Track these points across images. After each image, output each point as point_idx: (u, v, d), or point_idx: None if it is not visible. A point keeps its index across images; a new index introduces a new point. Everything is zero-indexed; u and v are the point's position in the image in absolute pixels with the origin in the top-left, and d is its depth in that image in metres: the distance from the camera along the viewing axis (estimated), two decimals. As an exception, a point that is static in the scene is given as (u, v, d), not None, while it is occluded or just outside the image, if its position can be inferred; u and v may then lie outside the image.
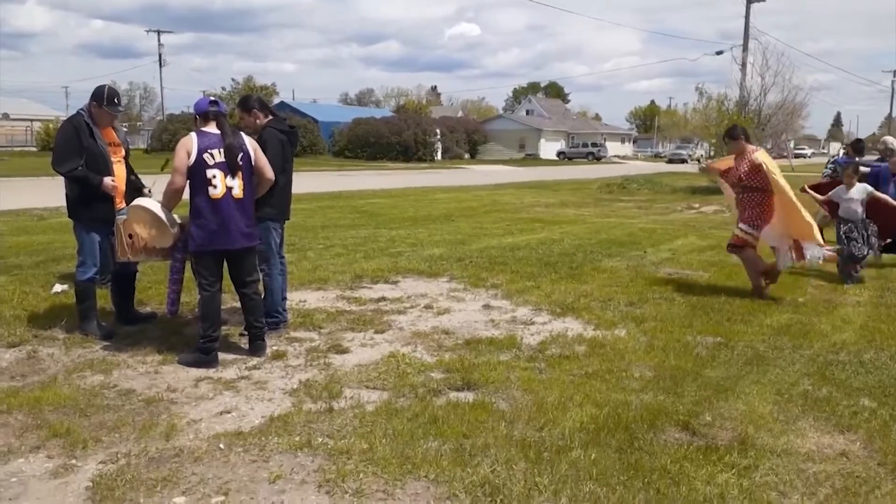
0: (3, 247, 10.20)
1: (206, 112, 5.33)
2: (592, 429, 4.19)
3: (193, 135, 5.25)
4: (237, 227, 5.29)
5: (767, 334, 6.33)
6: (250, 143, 5.46)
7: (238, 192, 5.28)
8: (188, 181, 5.21)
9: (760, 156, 7.73)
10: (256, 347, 5.57)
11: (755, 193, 7.74)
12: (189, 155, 5.16)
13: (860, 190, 8.83)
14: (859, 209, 8.76)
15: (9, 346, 5.61)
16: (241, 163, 5.27)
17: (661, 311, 7.11)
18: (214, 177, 5.17)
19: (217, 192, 5.19)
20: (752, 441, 4.09)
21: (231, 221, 5.25)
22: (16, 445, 3.90)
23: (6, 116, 70.87)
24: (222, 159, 5.20)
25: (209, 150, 5.18)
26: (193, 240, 5.29)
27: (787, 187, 7.53)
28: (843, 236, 8.72)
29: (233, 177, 5.24)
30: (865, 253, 8.71)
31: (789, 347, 5.95)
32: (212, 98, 5.45)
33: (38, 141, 53.55)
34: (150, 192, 6.12)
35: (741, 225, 7.88)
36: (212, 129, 5.29)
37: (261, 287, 5.95)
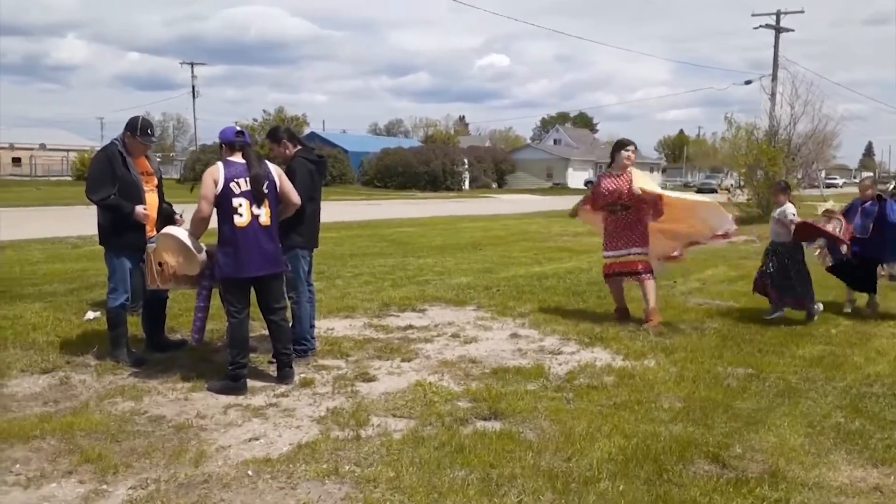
0: (38, 274, 10.39)
1: (232, 142, 5.42)
2: (621, 460, 4.15)
3: (220, 164, 5.34)
4: (263, 255, 5.36)
5: (799, 366, 6.25)
6: (275, 171, 5.54)
7: (265, 219, 5.36)
8: (215, 209, 5.30)
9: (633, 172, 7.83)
10: (284, 375, 5.60)
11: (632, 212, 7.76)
12: (216, 183, 5.24)
13: (780, 211, 8.19)
14: (780, 230, 8.15)
15: (42, 373, 5.69)
16: (266, 191, 5.35)
17: (690, 341, 7.05)
18: (241, 205, 5.25)
19: (243, 220, 5.27)
20: (784, 474, 4.03)
21: (257, 249, 5.31)
22: (49, 470, 3.95)
23: (43, 147, 72.36)
24: (248, 188, 5.28)
25: (235, 180, 5.26)
26: (220, 268, 5.37)
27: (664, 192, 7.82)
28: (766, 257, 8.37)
29: (258, 206, 5.31)
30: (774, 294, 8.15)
31: (822, 379, 5.87)
32: (238, 128, 5.53)
33: (74, 170, 54.55)
34: (181, 216, 6.22)
35: (634, 248, 7.77)
36: (238, 158, 5.37)
37: (289, 314, 6.00)
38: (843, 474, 4.09)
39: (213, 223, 5.39)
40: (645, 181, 7.78)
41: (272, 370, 5.78)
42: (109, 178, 5.83)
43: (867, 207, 8.45)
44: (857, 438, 4.59)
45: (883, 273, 8.72)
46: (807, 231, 8.22)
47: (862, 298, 8.81)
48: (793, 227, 8.05)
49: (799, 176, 26.94)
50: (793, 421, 4.86)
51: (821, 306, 8.17)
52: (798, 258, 8.15)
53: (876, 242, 8.33)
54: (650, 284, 7.72)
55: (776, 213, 8.27)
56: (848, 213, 8.65)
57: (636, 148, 8.07)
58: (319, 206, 6.36)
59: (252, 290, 5.52)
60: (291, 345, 5.77)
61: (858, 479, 4.04)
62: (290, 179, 5.89)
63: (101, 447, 4.22)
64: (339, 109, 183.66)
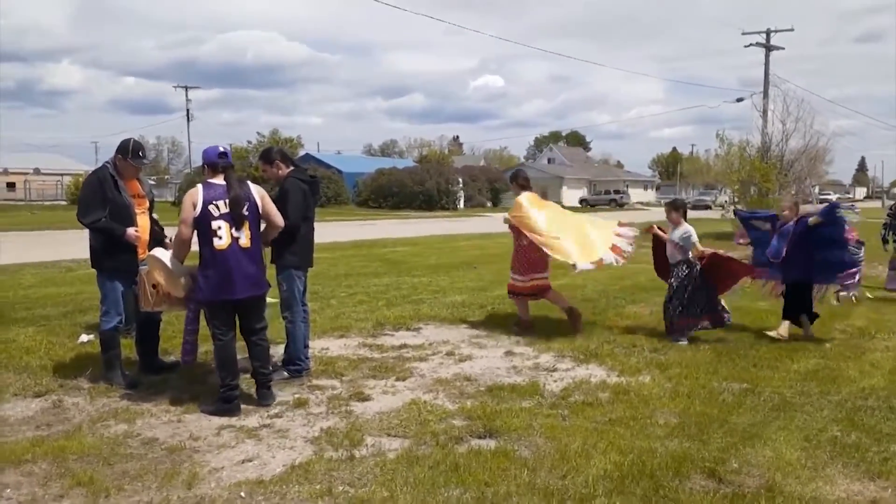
0: (32, 298, 10.35)
1: (214, 163, 5.39)
2: (616, 476, 4.14)
3: (200, 186, 5.33)
4: (244, 277, 5.32)
5: (794, 380, 6.24)
6: (257, 192, 5.49)
7: (245, 241, 5.32)
8: (195, 232, 5.29)
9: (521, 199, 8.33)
10: (263, 395, 5.55)
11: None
12: (195, 206, 5.23)
13: (678, 233, 7.92)
14: (676, 254, 7.92)
15: (35, 396, 5.66)
16: (246, 213, 5.32)
17: (685, 357, 7.04)
18: (220, 228, 5.23)
19: (222, 242, 5.24)
20: (780, 488, 4.02)
21: (237, 272, 5.28)
22: (40, 494, 3.92)
23: (37, 171, 72.35)
24: (227, 210, 5.25)
25: (214, 202, 5.24)
26: (201, 290, 5.34)
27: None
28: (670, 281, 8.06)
29: (238, 228, 5.29)
30: (674, 312, 7.82)
31: (817, 393, 5.86)
32: (221, 149, 5.46)
33: (68, 195, 54.53)
34: (170, 241, 6.21)
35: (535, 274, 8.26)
36: (219, 180, 5.35)
37: (282, 334, 5.97)
38: (840, 488, 4.08)
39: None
40: (519, 210, 8.24)
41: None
42: (100, 201, 5.82)
43: (784, 229, 8.06)
44: (853, 452, 4.57)
45: (818, 294, 8.22)
46: (717, 263, 7.94)
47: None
48: (694, 250, 7.81)
49: (793, 192, 27.01)
50: (789, 435, 4.84)
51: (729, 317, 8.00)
52: (695, 272, 7.85)
53: (800, 264, 7.93)
54: (553, 295, 8.35)
55: (673, 235, 7.95)
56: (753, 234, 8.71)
57: (521, 178, 8.75)
58: (313, 226, 6.36)
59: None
60: (270, 365, 5.72)
61: (855, 493, 4.02)
62: (283, 200, 5.89)
63: (92, 470, 4.19)
64: (334, 131, 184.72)
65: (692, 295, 7.78)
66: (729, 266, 8.00)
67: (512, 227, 8.33)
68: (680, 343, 7.66)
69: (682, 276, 7.87)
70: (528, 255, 8.20)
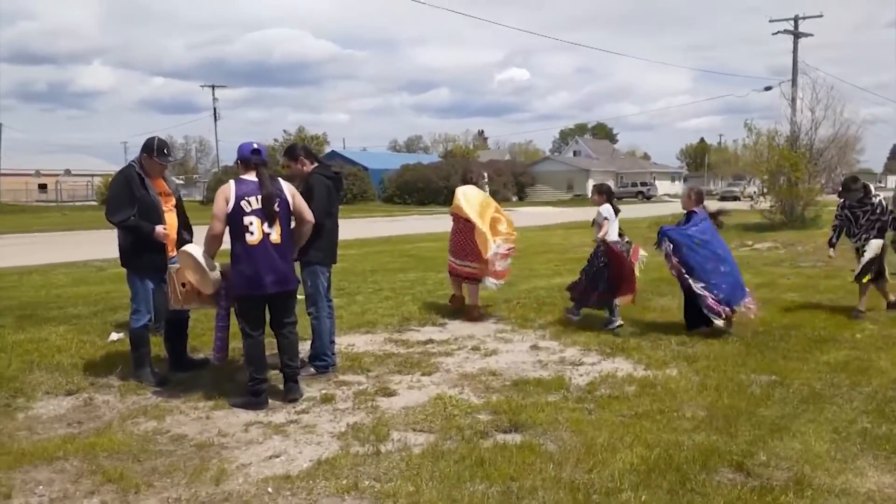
0: (63, 297, 10.51)
1: (247, 159, 5.45)
2: (643, 470, 4.12)
3: (232, 182, 5.39)
4: (275, 272, 5.38)
5: (824, 372, 6.17)
6: (288, 189, 5.55)
7: (276, 237, 5.38)
8: (227, 227, 5.34)
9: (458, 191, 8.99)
10: (289, 389, 5.59)
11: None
12: (227, 202, 5.29)
13: (599, 211, 8.08)
14: (596, 231, 8.10)
15: (67, 394, 5.75)
16: (278, 210, 5.37)
17: (713, 349, 6.98)
18: (251, 223, 5.29)
19: (254, 238, 5.30)
20: (809, 481, 3.97)
21: (268, 267, 5.34)
22: (71, 491, 3.98)
23: (68, 172, 73.31)
24: (259, 206, 5.31)
25: (246, 198, 5.30)
26: (233, 286, 5.42)
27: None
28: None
29: (270, 224, 5.34)
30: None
31: (847, 385, 5.78)
32: (255, 146, 5.53)
33: (98, 195, 55.24)
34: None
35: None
36: (251, 176, 5.40)
37: (308, 330, 6.01)
38: (871, 480, 4.03)
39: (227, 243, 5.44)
40: (460, 200, 8.86)
41: (293, 387, 5.78)
42: (128, 199, 5.89)
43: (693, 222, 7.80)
44: (884, 444, 4.51)
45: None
46: (620, 265, 7.91)
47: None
48: (603, 224, 7.96)
49: (822, 181, 26.65)
50: (818, 427, 4.79)
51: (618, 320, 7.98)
52: (601, 257, 8.00)
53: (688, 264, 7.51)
54: (474, 288, 8.82)
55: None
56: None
57: (478, 175, 10.18)
58: (337, 222, 6.39)
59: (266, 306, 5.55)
60: (298, 359, 5.77)
61: (886, 485, 3.97)
62: (307, 196, 5.92)
63: (123, 467, 4.25)
64: (361, 128, 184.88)
65: (593, 275, 8.08)
66: (629, 278, 7.94)
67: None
68: (571, 318, 8.13)
69: (594, 254, 8.19)
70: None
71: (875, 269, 8.50)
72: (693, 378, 6.02)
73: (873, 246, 8.37)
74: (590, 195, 8.51)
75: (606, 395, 5.60)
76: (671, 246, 7.54)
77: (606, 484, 3.95)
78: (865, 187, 8.73)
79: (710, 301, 7.37)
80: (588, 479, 4.02)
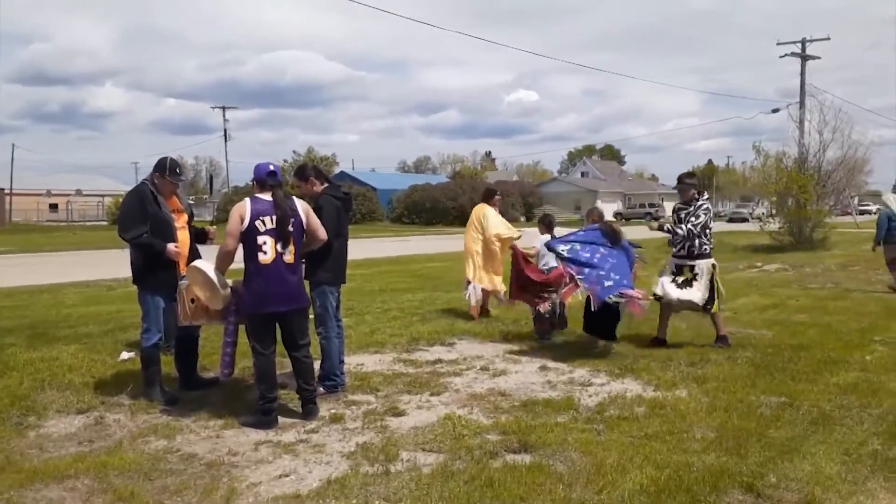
0: (74, 316, 10.57)
1: (263, 181, 5.50)
2: (653, 491, 4.11)
3: (248, 200, 5.44)
4: (287, 291, 5.42)
5: (834, 393, 6.14)
6: (302, 207, 5.60)
7: (289, 257, 5.43)
8: (241, 245, 5.39)
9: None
10: (308, 411, 5.62)
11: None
12: (242, 220, 5.33)
13: (541, 239, 9.04)
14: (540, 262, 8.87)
15: (78, 413, 5.78)
16: (291, 230, 5.42)
17: (723, 371, 6.97)
18: (265, 243, 5.33)
19: (267, 257, 5.34)
20: (820, 502, 3.96)
21: (281, 286, 5.38)
22: (82, 509, 4.00)
23: (79, 192, 73.85)
24: (273, 226, 5.35)
25: (261, 217, 5.34)
26: (244, 304, 5.45)
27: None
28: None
29: (284, 245, 5.39)
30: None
31: (857, 406, 5.76)
32: (271, 168, 5.58)
33: (109, 215, 55.61)
34: (213, 229, 6.59)
35: None
36: (266, 196, 5.45)
37: (317, 350, 6.02)
38: (882, 502, 4.01)
39: (239, 261, 5.48)
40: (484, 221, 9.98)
41: (302, 407, 5.80)
42: (141, 216, 5.95)
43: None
44: (895, 465, 4.49)
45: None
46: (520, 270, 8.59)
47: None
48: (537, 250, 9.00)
49: (831, 203, 26.63)
50: (828, 449, 4.77)
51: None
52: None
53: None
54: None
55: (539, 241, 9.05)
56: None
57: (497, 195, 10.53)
58: (346, 242, 6.44)
59: (277, 326, 5.58)
60: (314, 381, 5.79)
61: (898, 508, 3.95)
62: (317, 216, 5.98)
63: (133, 486, 4.26)
64: (370, 149, 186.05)
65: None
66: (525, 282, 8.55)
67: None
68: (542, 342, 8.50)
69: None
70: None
71: None
72: (703, 399, 6.01)
73: None
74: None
75: (616, 415, 5.59)
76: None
77: (616, 505, 3.94)
78: None
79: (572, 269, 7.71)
80: (598, 500, 4.01)
